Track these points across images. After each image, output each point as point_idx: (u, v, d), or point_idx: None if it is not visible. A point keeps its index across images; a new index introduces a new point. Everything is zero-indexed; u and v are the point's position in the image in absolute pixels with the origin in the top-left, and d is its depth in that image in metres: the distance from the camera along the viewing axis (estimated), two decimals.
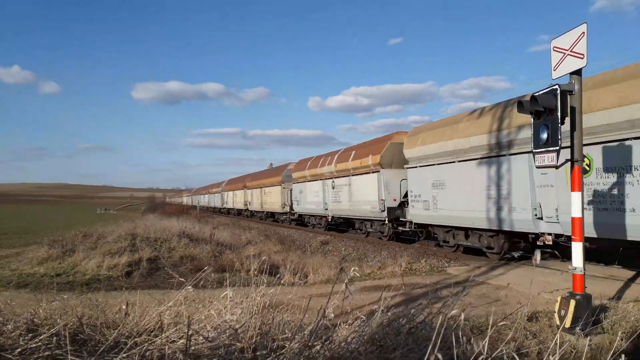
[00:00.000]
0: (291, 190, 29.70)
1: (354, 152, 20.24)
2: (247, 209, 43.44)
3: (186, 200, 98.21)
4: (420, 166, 15.00)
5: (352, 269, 3.90)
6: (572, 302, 5.01)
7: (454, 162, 13.26)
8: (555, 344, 2.91)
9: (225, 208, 55.61)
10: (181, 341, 2.97)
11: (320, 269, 10.10)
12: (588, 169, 8.92)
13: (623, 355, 2.59)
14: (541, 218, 10.23)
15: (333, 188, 21.90)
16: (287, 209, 30.76)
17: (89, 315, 3.79)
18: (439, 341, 2.28)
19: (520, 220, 10.76)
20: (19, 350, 2.86)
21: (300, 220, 29.57)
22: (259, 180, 38.08)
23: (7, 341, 3.05)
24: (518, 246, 11.96)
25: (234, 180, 52.07)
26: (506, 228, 11.30)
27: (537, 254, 11.06)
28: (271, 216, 36.84)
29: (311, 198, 25.41)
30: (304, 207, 26.93)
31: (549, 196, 9.93)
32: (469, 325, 5.00)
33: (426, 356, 2.10)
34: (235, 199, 48.84)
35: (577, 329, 4.82)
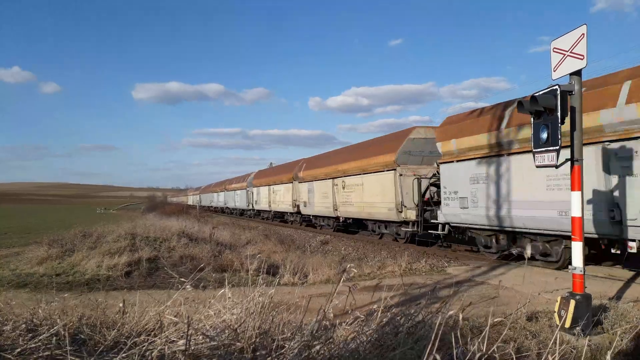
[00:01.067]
0: (424, 178, 15.38)
1: None
2: (299, 212, 27.44)
3: (192, 200, 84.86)
4: None
5: (349, 265, 3.90)
6: (572, 302, 5.01)
7: None
8: (555, 343, 2.91)
9: (254, 210, 39.32)
10: (181, 341, 2.97)
11: (320, 269, 10.10)
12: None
13: (623, 356, 2.59)
14: None
15: None
16: (410, 214, 15.52)
17: (88, 315, 3.79)
18: (437, 341, 2.28)
19: None
20: (18, 350, 2.86)
21: (454, 238, 14.62)
22: (333, 166, 22.04)
23: (6, 341, 3.06)
24: None
25: (272, 171, 35.96)
26: None
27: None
28: (355, 225, 21.82)
29: (533, 192, 10.14)
30: (516, 213, 10.73)
31: None
32: (469, 325, 5.00)
33: (425, 356, 2.10)
34: (273, 198, 32.39)
35: (577, 329, 4.82)
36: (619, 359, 4.41)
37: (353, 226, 22.61)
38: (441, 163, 13.76)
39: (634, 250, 8.15)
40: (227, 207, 53.37)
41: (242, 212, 46.42)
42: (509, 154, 10.97)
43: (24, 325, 3.36)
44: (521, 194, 10.65)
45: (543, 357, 2.76)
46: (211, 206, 65.62)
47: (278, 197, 31.53)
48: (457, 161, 12.93)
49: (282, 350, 3.01)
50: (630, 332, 4.93)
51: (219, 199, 58.55)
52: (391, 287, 6.14)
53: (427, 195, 15.25)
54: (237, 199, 46.37)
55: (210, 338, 3.13)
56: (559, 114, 5.09)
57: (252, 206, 39.70)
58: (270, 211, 34.20)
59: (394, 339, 3.42)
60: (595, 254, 10.16)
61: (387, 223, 18.11)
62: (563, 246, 10.27)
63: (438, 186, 14.35)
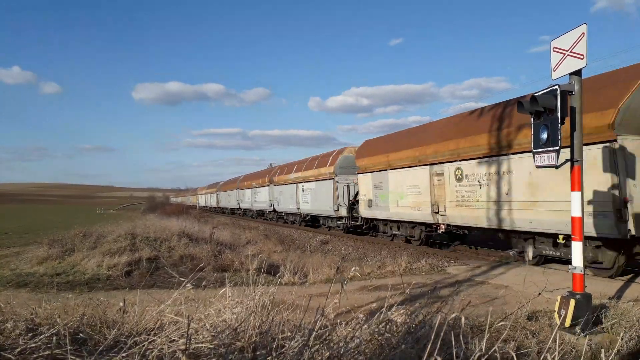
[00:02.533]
0: None
1: None
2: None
3: (204, 200, 69.61)
4: None
5: (353, 269, 3.91)
6: (572, 302, 5.01)
7: None
8: (555, 342, 2.91)
9: (361, 219, 20.00)
10: (181, 340, 2.98)
11: (320, 269, 10.11)
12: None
13: (623, 355, 2.60)
14: None
15: None
16: None
17: (88, 314, 3.79)
18: (437, 340, 2.28)
19: None
20: (18, 349, 2.87)
21: None
22: None
23: (6, 341, 3.06)
24: None
25: (442, 128, 14.37)
26: None
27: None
28: None
29: None
30: None
31: None
32: (469, 324, 5.00)
33: (425, 356, 2.11)
34: (499, 191, 11.08)
35: (577, 328, 4.82)
36: (619, 359, 4.42)
37: None
38: None
39: None
40: (274, 211, 34.07)
41: (309, 220, 27.10)
42: None
43: (24, 325, 3.36)
44: None
45: (542, 356, 2.77)
46: (239, 209, 46.21)
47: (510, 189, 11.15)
48: None
49: (282, 350, 3.01)
50: (630, 331, 4.93)
51: (256, 198, 38.02)
52: (391, 286, 6.15)
53: None
54: (304, 199, 25.87)
55: (211, 337, 3.13)
56: (558, 114, 5.09)
57: (353, 210, 20.64)
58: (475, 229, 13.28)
59: (395, 338, 3.43)
60: None
61: None
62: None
63: None
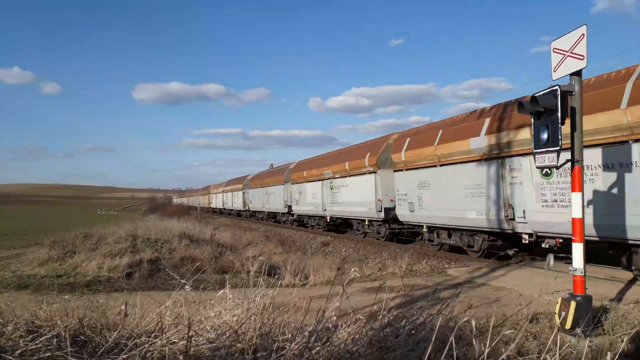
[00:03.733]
0: None
1: None
2: None
3: (223, 201, 52.96)
4: None
5: (352, 269, 3.90)
6: (573, 304, 5.00)
7: None
8: (555, 345, 2.91)
9: None
10: (181, 342, 2.98)
11: (321, 270, 10.10)
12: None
13: (623, 357, 2.59)
14: None
15: None
16: None
17: (89, 316, 3.80)
18: (438, 343, 2.28)
19: None
20: (19, 351, 2.87)
21: None
22: None
23: (7, 343, 3.06)
24: None
25: None
26: None
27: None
28: None
29: None
30: None
31: None
32: (469, 326, 4.99)
33: (425, 357, 2.10)
34: None
35: (578, 330, 4.82)
36: None
37: None
38: None
39: None
40: (387, 220, 17.42)
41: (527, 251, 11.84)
42: None
43: (25, 327, 3.37)
44: None
45: (542, 358, 2.76)
46: (288, 213, 29.35)
47: None
48: None
49: (283, 352, 3.01)
50: (631, 333, 4.93)
51: (334, 197, 21.63)
52: (392, 288, 6.14)
53: None
54: (547, 195, 9.31)
55: (211, 339, 3.14)
56: (559, 114, 5.09)
57: None
58: None
59: (395, 340, 3.42)
60: None
61: None
62: None
63: None
